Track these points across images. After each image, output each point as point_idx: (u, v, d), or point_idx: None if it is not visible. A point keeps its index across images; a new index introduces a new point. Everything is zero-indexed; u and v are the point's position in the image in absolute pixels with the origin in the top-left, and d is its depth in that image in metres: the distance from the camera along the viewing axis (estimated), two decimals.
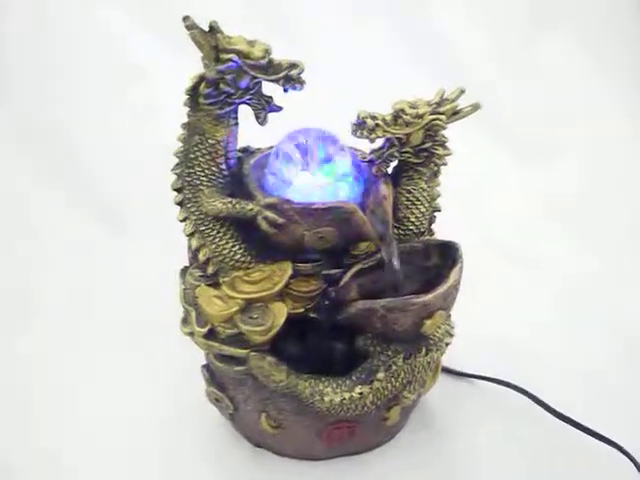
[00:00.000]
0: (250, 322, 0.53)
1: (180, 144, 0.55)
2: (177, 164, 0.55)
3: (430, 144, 0.55)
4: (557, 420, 0.63)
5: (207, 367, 0.61)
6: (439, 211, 0.60)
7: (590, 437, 0.61)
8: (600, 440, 0.60)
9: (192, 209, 0.55)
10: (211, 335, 0.54)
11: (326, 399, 0.54)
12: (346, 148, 0.57)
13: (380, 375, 0.55)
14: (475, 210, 0.88)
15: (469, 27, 1.01)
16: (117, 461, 0.62)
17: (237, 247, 0.55)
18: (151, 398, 0.68)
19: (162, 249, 0.84)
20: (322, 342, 0.58)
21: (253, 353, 0.54)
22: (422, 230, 0.59)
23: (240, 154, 0.58)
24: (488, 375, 0.69)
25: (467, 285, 0.57)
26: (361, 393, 0.55)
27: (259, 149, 0.60)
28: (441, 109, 0.54)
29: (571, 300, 0.81)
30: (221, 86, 0.51)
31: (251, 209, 0.53)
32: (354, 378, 0.56)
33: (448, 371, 0.70)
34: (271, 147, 0.60)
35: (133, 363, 0.73)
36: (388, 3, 1.01)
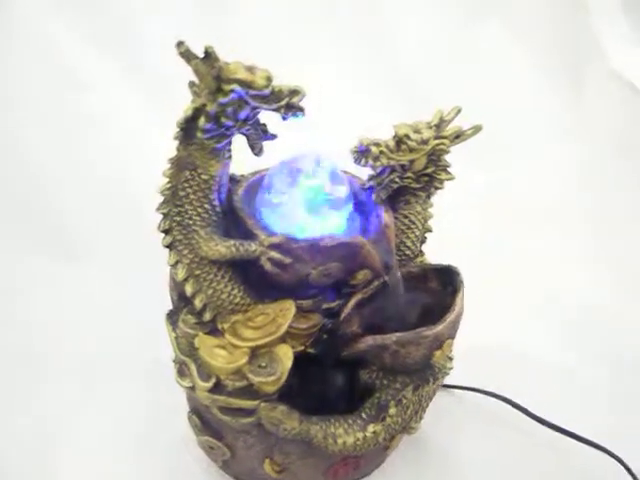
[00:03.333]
0: (260, 372, 0.49)
1: (165, 180, 0.49)
2: (163, 202, 0.49)
3: (433, 169, 0.53)
4: (540, 426, 0.65)
5: (197, 413, 0.56)
6: (430, 232, 0.58)
7: (574, 440, 0.63)
8: (585, 443, 0.62)
9: (184, 252, 0.49)
10: (216, 388, 0.50)
11: (339, 441, 0.52)
12: (343, 174, 0.54)
13: (392, 411, 0.53)
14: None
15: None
16: None
17: (236, 290, 0.51)
18: (124, 438, 0.64)
19: (121, 278, 0.78)
20: (320, 376, 0.56)
21: (264, 404, 0.50)
22: (416, 253, 0.57)
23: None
24: (465, 385, 0.69)
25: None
26: (374, 432, 0.53)
27: (243, 176, 0.55)
28: (444, 133, 0.52)
29: (549, 308, 0.82)
30: (222, 120, 0.45)
31: (254, 250, 0.49)
32: (364, 416, 0.53)
33: None
34: (255, 173, 0.56)
35: (102, 399, 0.67)
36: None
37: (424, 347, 0.52)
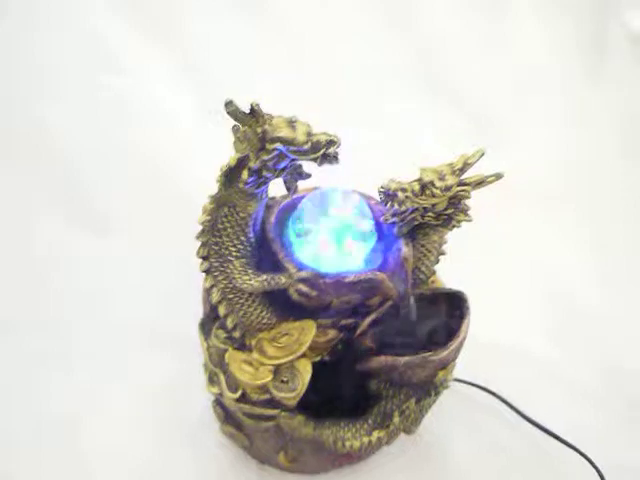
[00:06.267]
0: (282, 388, 0.55)
1: (205, 213, 0.53)
2: (202, 232, 0.53)
3: (452, 210, 0.57)
4: (522, 420, 0.72)
5: (220, 405, 0.63)
6: (444, 254, 0.62)
7: (555, 441, 0.70)
8: (561, 442, 0.69)
9: (219, 278, 0.54)
10: (242, 398, 0.56)
11: (347, 444, 0.59)
12: (367, 208, 0.58)
13: (396, 419, 0.60)
14: None
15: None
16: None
17: (264, 312, 0.56)
18: (151, 411, 0.70)
19: (149, 253, 0.83)
20: (333, 380, 0.62)
21: (284, 413, 0.56)
22: (429, 276, 0.62)
23: None
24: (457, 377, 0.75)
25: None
26: (379, 437, 0.59)
27: (274, 199, 0.59)
28: (467, 180, 0.55)
29: (544, 305, 0.86)
30: (263, 172, 0.49)
31: (284, 283, 0.53)
32: (370, 422, 0.60)
33: None
34: (285, 196, 0.59)
35: (127, 370, 0.74)
36: None
37: (429, 369, 0.58)
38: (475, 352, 0.73)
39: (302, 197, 0.58)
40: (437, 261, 0.62)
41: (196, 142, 0.86)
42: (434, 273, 0.63)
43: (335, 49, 0.93)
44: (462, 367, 0.71)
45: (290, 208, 0.58)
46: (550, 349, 0.81)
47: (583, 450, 0.68)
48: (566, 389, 0.76)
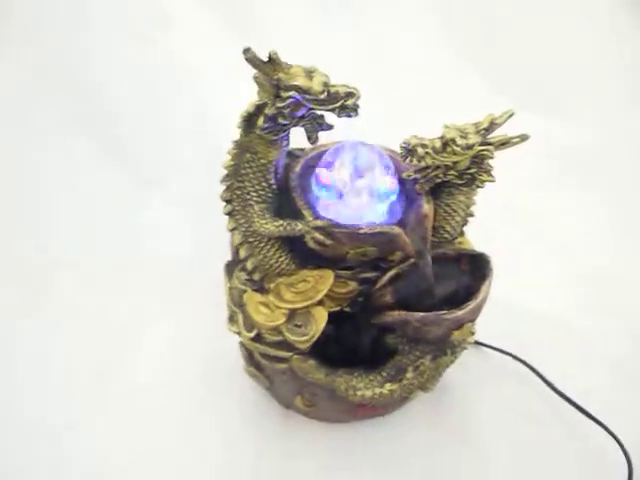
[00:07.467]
0: (295, 331, 0.57)
1: (229, 157, 0.55)
2: (226, 176, 0.56)
3: (475, 170, 0.56)
4: (551, 391, 0.71)
5: (245, 347, 0.66)
6: (472, 216, 0.62)
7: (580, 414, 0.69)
8: (588, 417, 0.68)
9: (241, 221, 0.57)
10: (257, 338, 0.58)
11: (359, 393, 0.60)
12: (390, 163, 0.58)
13: (409, 374, 0.61)
14: None
15: None
16: (152, 423, 0.68)
17: (283, 257, 0.58)
18: (184, 361, 0.74)
19: (189, 203, 0.88)
20: (352, 332, 0.63)
21: (296, 356, 0.58)
22: (455, 236, 0.62)
23: (285, 160, 0.58)
24: (493, 343, 0.75)
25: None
26: (391, 390, 0.61)
27: (302, 150, 0.61)
28: (491, 139, 0.55)
29: (580, 274, 0.85)
30: (279, 119, 0.51)
31: (300, 229, 0.55)
32: (384, 374, 0.61)
33: None
34: (313, 149, 0.61)
35: (162, 319, 0.78)
36: None
37: (444, 327, 0.58)
38: (503, 317, 0.72)
39: (328, 149, 0.59)
40: (465, 222, 0.62)
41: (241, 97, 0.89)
42: (462, 234, 0.63)
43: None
44: (490, 332, 0.72)
45: (315, 159, 0.59)
46: (580, 318, 0.80)
47: (607, 423, 0.67)
48: (595, 359, 0.76)
